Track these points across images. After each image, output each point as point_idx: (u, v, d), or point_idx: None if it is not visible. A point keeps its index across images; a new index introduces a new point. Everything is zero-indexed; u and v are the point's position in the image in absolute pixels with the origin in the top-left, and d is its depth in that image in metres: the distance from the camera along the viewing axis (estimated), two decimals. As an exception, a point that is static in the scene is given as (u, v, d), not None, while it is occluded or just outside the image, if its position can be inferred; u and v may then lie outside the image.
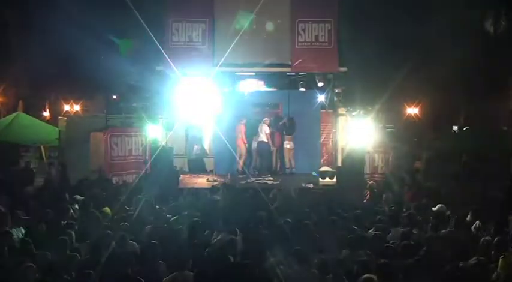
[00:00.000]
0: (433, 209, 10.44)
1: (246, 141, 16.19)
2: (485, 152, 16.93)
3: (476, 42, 21.08)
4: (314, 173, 14.57)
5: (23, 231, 8.82)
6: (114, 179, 15.04)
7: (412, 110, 23.98)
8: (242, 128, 16.20)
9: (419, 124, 22.98)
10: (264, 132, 16.02)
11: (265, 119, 16.30)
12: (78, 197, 11.59)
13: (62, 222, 9.16)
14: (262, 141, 16.08)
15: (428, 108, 23.90)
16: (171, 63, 15.90)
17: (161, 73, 16.61)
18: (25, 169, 16.95)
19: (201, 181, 15.23)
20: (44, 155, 19.17)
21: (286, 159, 16.48)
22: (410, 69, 19.65)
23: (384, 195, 12.18)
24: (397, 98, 21.00)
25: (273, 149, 16.58)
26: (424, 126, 22.65)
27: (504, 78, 21.93)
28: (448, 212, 10.17)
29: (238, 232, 8.33)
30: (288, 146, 16.31)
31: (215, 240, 8.15)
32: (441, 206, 10.47)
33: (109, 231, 8.17)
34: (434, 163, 16.96)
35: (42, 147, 19.20)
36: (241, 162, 16.17)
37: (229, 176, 15.36)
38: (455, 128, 26.07)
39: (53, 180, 15.09)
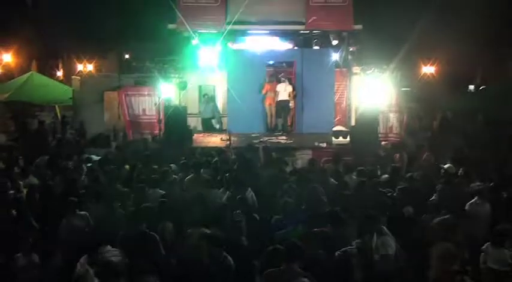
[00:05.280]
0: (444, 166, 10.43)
1: (280, 99, 16.08)
2: (501, 112, 16.72)
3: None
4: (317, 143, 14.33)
5: None
6: (133, 137, 15.28)
7: (428, 69, 23.59)
8: (276, 86, 16.11)
9: (434, 83, 22.66)
10: (288, 91, 15.95)
11: (284, 78, 16.14)
12: (94, 157, 11.73)
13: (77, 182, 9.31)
14: (284, 100, 16.00)
15: (444, 66, 23.50)
16: (184, 21, 15.72)
17: (174, 32, 16.43)
18: (39, 129, 17.09)
19: (215, 140, 15.27)
20: (58, 114, 19.34)
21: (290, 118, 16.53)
22: (427, 24, 19.18)
23: (397, 155, 12.13)
24: (413, 56, 20.65)
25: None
26: (439, 85, 22.33)
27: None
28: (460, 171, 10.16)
29: (250, 190, 8.41)
30: (291, 105, 16.30)
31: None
32: (450, 166, 10.44)
33: (126, 189, 8.32)
34: (449, 123, 16.82)
35: (56, 106, 19.35)
36: (270, 120, 16.36)
37: (241, 135, 15.35)
38: (471, 87, 25.74)
39: (68, 140, 15.28)
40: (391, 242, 6.34)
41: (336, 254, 6.03)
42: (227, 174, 9.25)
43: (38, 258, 6.35)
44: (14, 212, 7.90)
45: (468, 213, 7.81)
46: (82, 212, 7.62)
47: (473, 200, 8.00)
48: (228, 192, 8.55)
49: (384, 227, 6.53)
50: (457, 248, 6.22)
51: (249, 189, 8.45)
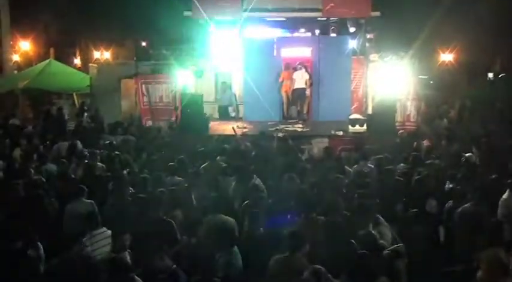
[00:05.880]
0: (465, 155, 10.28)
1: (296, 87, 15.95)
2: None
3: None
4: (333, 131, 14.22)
5: None
6: (148, 124, 15.39)
7: (447, 57, 23.34)
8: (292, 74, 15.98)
9: (453, 71, 22.39)
10: (305, 79, 15.84)
11: (300, 66, 16.02)
12: (111, 144, 11.79)
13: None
14: (300, 88, 15.82)
15: (463, 54, 23.22)
16: (200, 8, 15.68)
17: (190, 19, 16.41)
18: (58, 116, 17.24)
19: (231, 128, 15.24)
20: (76, 101, 19.49)
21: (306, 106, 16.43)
22: (446, 11, 18.86)
23: (415, 143, 12.01)
24: (431, 44, 20.40)
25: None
26: (458, 73, 22.06)
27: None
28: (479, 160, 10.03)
29: (255, 177, 8.32)
30: (307, 92, 16.20)
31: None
32: (470, 155, 10.30)
33: (143, 176, 8.35)
34: (467, 111, 16.63)
35: (74, 94, 19.50)
36: (286, 108, 16.26)
37: (257, 123, 15.32)
38: (490, 75, 25.37)
39: (85, 127, 15.41)
40: (386, 231, 6.23)
41: (385, 253, 5.52)
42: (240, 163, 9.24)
43: (43, 252, 6.25)
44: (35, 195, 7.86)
45: (505, 211, 7.27)
46: (87, 200, 7.47)
47: (505, 195, 7.41)
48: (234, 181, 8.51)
49: (380, 217, 6.41)
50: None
51: (255, 176, 8.36)
